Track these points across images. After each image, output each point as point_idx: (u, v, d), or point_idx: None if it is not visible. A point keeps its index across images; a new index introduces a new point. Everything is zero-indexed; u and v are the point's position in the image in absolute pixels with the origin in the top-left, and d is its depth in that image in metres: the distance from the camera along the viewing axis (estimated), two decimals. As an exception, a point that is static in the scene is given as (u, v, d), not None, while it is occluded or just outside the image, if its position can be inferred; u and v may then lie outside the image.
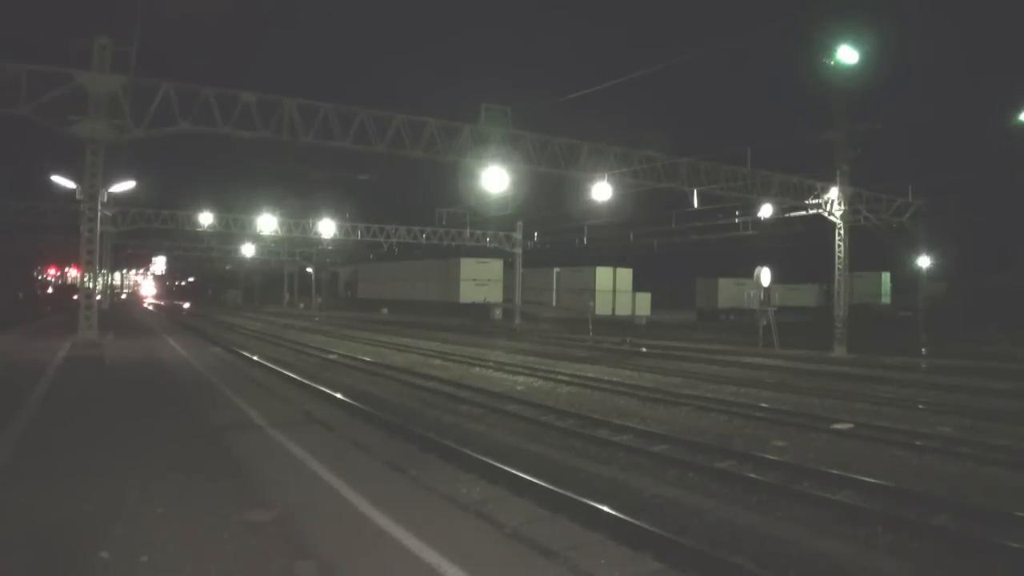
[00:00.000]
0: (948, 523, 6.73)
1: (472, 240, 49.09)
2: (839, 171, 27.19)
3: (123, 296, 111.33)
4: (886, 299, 57.31)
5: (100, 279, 39.77)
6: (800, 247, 39.21)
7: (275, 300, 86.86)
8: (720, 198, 29.34)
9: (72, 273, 68.93)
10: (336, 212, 48.35)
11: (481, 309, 58.22)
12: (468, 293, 62.23)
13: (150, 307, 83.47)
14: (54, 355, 16.96)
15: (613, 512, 6.51)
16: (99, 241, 21.19)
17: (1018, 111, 21.94)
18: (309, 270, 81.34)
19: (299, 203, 49.05)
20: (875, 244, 33.02)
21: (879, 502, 7.35)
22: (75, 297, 31.33)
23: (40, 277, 68.43)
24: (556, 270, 66.19)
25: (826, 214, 28.34)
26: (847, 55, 24.16)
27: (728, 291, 55.55)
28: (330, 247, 67.38)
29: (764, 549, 6.12)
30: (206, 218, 44.76)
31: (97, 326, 20.52)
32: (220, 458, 7.34)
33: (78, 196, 21.46)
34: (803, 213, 30.29)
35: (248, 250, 64.55)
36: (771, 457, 9.17)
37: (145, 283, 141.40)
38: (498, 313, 57.64)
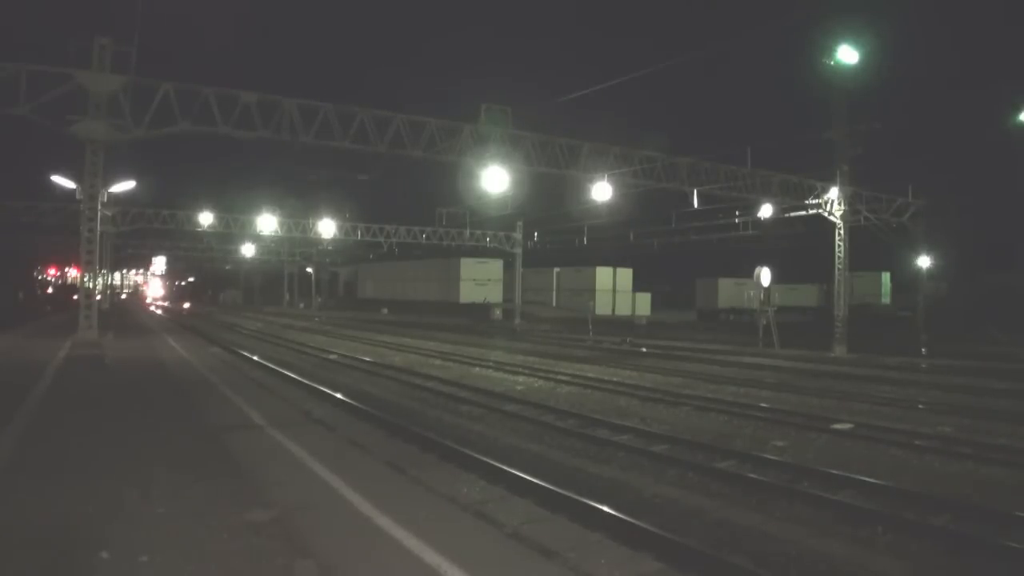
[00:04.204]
0: (948, 523, 6.72)
1: (472, 240, 49.08)
2: (839, 171, 27.18)
3: (123, 296, 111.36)
4: (886, 299, 57.30)
5: (100, 279, 39.75)
6: (800, 247, 39.24)
7: (275, 300, 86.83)
8: (720, 198, 29.34)
9: (72, 273, 68.92)
10: (336, 212, 48.37)
11: (481, 309, 58.22)
12: (468, 293, 62.24)
13: (155, 309, 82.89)
14: (54, 355, 16.96)
15: (613, 512, 6.50)
16: (99, 241, 21.19)
17: (1018, 111, 21.94)
18: (309, 270, 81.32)
19: (299, 203, 49.11)
20: (875, 244, 33.06)
21: (879, 502, 7.34)
22: (75, 297, 31.33)
23: (40, 277, 68.46)
24: (556, 270, 66.21)
25: (826, 214, 28.34)
26: (847, 55, 24.18)
27: (728, 291, 55.58)
28: (330, 247, 67.38)
29: (764, 549, 6.11)
30: (206, 218, 44.73)
31: (97, 326, 20.52)
32: (220, 458, 7.35)
33: (78, 196, 21.46)
34: (803, 213, 30.30)
35: (248, 250, 64.51)
36: (771, 457, 9.16)
37: (152, 283, 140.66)
38: (498, 313, 57.64)
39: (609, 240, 51.02)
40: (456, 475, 7.73)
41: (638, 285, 65.37)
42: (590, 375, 18.31)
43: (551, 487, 7.30)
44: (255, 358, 21.16)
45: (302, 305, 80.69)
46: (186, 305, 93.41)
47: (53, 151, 32.85)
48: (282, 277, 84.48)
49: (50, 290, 69.39)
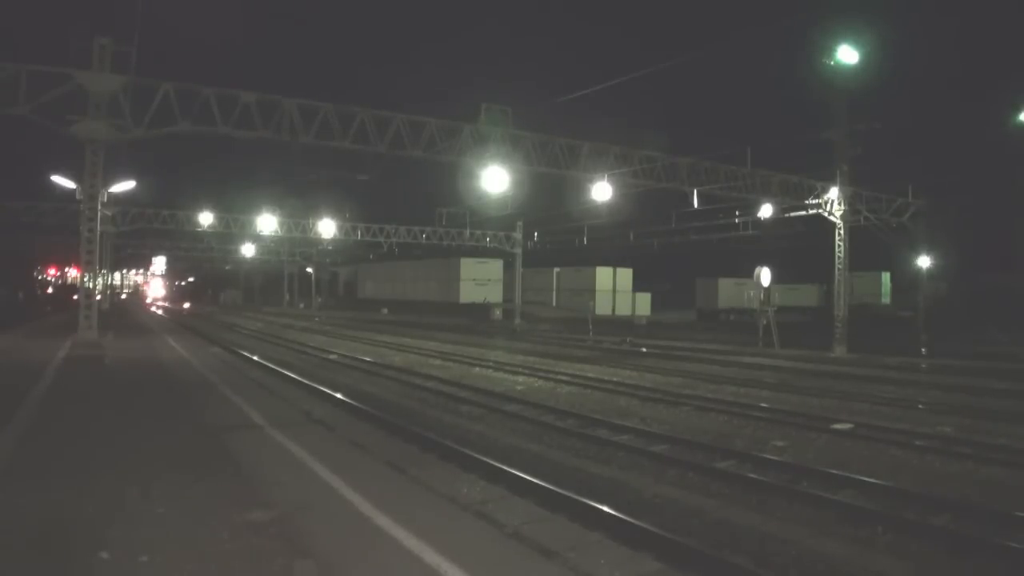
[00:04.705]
0: (948, 523, 6.72)
1: (472, 240, 49.06)
2: (839, 171, 27.17)
3: (123, 296, 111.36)
4: (886, 299, 57.30)
5: (100, 279, 39.74)
6: (800, 247, 39.21)
7: (275, 300, 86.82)
8: (720, 198, 29.32)
9: (72, 273, 68.93)
10: (336, 212, 48.33)
11: (481, 309, 58.21)
12: (468, 293, 62.23)
13: (156, 309, 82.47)
14: (54, 355, 16.96)
15: (613, 512, 6.51)
16: (99, 241, 21.18)
17: (1018, 111, 21.95)
18: (309, 270, 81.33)
19: (299, 203, 49.04)
20: (875, 244, 33.02)
21: (879, 502, 7.35)
22: (75, 297, 31.33)
23: (40, 277, 68.51)
24: (556, 270, 66.18)
25: (826, 214, 28.33)
26: (847, 55, 24.17)
27: (728, 291, 55.56)
28: (330, 247, 67.36)
29: (764, 549, 6.12)
30: (206, 218, 44.71)
31: (97, 326, 20.51)
32: (220, 458, 7.34)
33: (78, 196, 21.44)
34: (803, 213, 30.28)
35: (248, 250, 64.50)
36: (771, 457, 9.17)
37: (153, 283, 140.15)
38: (498, 313, 57.63)
39: (609, 240, 51.02)
40: (456, 475, 7.73)
41: (638, 285, 65.33)
42: (590, 375, 18.31)
43: (551, 487, 7.31)
44: (255, 358, 21.17)
45: (302, 305, 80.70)
46: (186, 305, 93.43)
47: (53, 151, 32.81)
48: (282, 277, 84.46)
49: (50, 290, 69.43)
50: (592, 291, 60.80)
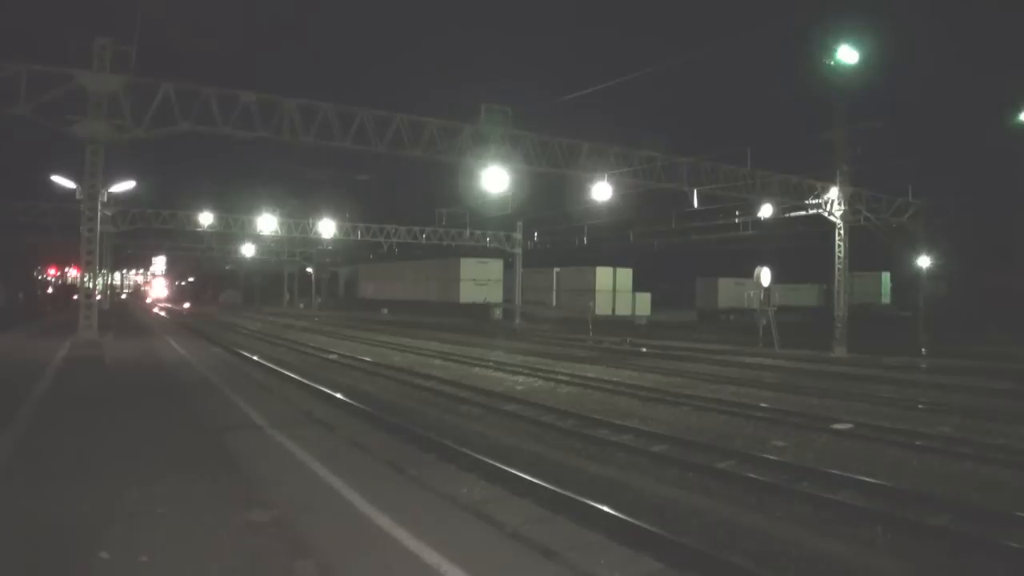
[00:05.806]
0: (948, 523, 6.72)
1: (472, 240, 49.06)
2: (839, 171, 27.17)
3: (123, 296, 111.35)
4: (886, 299, 57.34)
5: (100, 279, 39.74)
6: (800, 247, 39.19)
7: (275, 300, 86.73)
8: (720, 198, 29.31)
9: (72, 273, 68.92)
10: (336, 212, 48.35)
11: (481, 309, 58.18)
12: (468, 293, 62.19)
13: (157, 310, 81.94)
14: (54, 355, 16.96)
15: (613, 512, 6.51)
16: (99, 241, 21.17)
17: (1018, 111, 21.91)
18: (309, 270, 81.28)
19: (299, 203, 49.11)
20: (875, 244, 33.01)
21: (879, 502, 7.35)
22: (75, 297, 31.33)
23: (40, 277, 68.53)
24: (556, 270, 66.10)
25: (826, 214, 28.32)
26: (847, 55, 24.13)
27: (728, 291, 55.51)
28: (330, 247, 67.32)
29: (764, 549, 6.12)
30: (206, 218, 44.70)
31: (97, 326, 20.50)
32: (220, 458, 7.35)
33: (78, 196, 21.44)
34: (803, 213, 30.25)
35: (248, 250, 64.48)
36: (771, 457, 9.17)
37: (155, 283, 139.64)
38: (498, 313, 57.61)
39: (609, 240, 51.02)
40: (456, 475, 7.73)
41: (638, 285, 65.22)
42: (590, 375, 18.30)
43: (551, 487, 7.31)
44: (255, 358, 21.17)
45: (302, 305, 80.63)
46: (186, 305, 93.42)
47: (53, 151, 32.81)
48: (282, 277, 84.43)
49: (50, 290, 69.45)
50: (592, 291, 60.70)
